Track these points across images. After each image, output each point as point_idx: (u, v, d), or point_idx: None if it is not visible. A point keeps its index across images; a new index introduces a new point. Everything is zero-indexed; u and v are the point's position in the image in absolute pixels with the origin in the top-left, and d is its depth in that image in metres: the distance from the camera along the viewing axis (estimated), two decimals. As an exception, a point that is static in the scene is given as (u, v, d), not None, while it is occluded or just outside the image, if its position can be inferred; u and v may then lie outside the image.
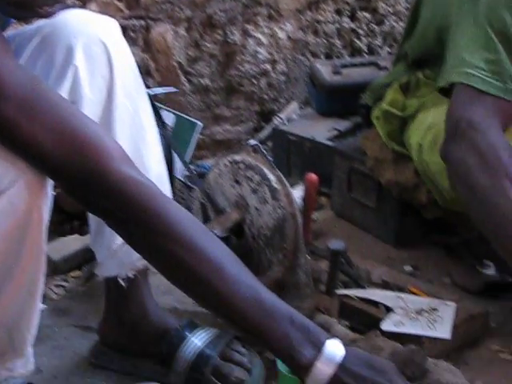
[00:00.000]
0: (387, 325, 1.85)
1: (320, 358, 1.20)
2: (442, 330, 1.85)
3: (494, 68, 1.86)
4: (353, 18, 3.25)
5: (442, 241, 2.37)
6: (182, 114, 2.67)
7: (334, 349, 1.21)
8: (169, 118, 2.62)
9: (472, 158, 1.73)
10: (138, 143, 1.62)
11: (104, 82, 1.57)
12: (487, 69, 1.85)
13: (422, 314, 1.90)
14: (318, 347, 1.21)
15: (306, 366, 1.20)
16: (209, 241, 1.28)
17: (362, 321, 1.90)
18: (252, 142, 2.03)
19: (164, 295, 2.00)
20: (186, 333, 1.77)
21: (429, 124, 2.07)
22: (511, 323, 2.01)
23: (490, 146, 1.72)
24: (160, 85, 2.81)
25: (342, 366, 1.20)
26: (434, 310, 1.92)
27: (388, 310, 1.92)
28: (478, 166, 1.71)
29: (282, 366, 1.62)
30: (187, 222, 1.28)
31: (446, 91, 1.96)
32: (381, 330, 1.82)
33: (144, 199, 1.26)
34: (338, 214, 2.54)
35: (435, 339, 1.84)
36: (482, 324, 1.97)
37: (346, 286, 2.01)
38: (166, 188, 1.69)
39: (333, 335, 1.70)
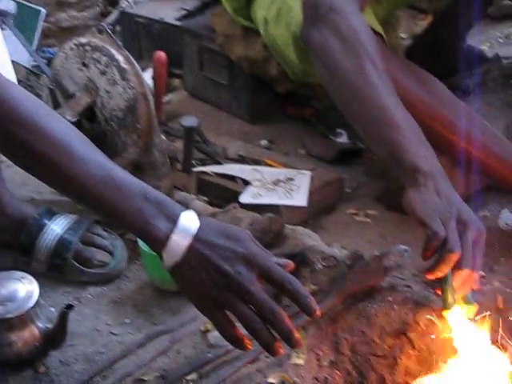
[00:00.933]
0: (245, 197, 1.88)
1: (175, 230, 1.19)
2: (299, 198, 1.90)
3: None
4: None
5: (295, 113, 2.40)
6: (24, 2, 2.57)
7: (189, 221, 1.21)
8: (10, 6, 2.51)
9: (334, 42, 1.71)
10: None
11: None
12: None
13: (278, 185, 1.94)
14: (173, 220, 1.20)
15: (161, 239, 1.19)
16: (54, 122, 1.24)
17: (221, 196, 1.92)
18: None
19: (20, 187, 1.97)
20: (45, 221, 1.75)
21: (273, -3, 2.06)
22: (364, 187, 2.08)
23: (352, 30, 1.70)
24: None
25: (198, 237, 1.19)
26: (291, 179, 1.96)
27: (245, 183, 1.95)
28: (340, 50, 1.70)
29: (144, 245, 1.64)
30: (30, 104, 1.23)
31: None
32: (240, 203, 1.85)
33: None
34: (192, 93, 2.53)
35: (293, 207, 1.88)
36: (336, 190, 2.02)
37: (203, 163, 2.02)
38: (8, 73, 1.64)
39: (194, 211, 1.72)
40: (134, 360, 1.46)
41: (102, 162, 1.22)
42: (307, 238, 1.70)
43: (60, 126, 1.24)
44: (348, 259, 1.61)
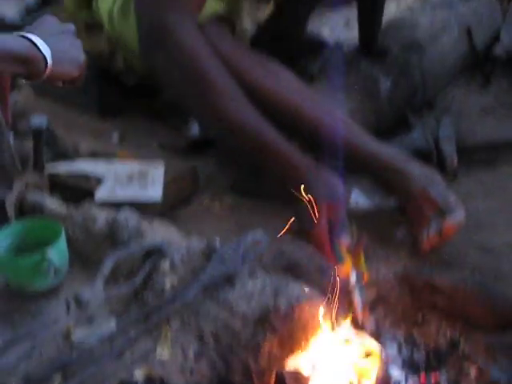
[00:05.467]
0: (99, 196, 1.87)
1: None
2: (154, 192, 1.90)
3: None
4: None
5: (145, 106, 2.39)
6: None
7: None
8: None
9: (175, 70, 1.72)
10: None
11: None
12: None
13: (132, 180, 1.93)
14: None
15: None
16: None
17: (75, 195, 1.90)
18: None
19: None
20: None
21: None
22: (218, 177, 2.09)
23: (189, 55, 1.72)
24: None
25: None
26: (144, 173, 1.96)
27: (99, 180, 1.93)
28: (182, 78, 1.71)
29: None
30: None
31: None
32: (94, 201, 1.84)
33: None
34: (38, 92, 2.47)
35: (148, 202, 1.88)
36: (191, 181, 2.03)
37: (55, 162, 1.99)
38: None
39: (48, 211, 1.72)
40: (-4, 367, 1.44)
41: None
42: (165, 231, 1.71)
43: None
44: (206, 250, 1.62)
